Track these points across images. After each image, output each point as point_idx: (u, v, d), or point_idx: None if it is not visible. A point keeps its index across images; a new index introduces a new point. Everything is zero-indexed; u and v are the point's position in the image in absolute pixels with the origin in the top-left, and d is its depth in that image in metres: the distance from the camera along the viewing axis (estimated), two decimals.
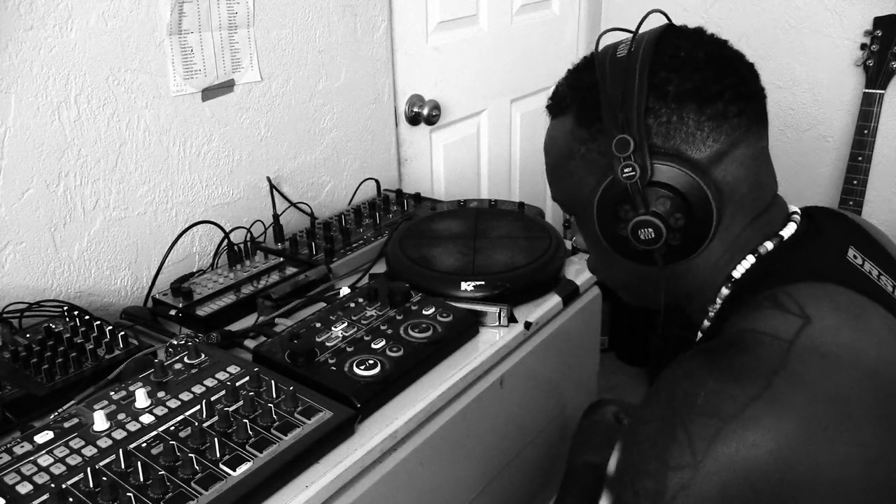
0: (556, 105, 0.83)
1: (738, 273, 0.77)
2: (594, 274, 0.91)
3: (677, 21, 0.81)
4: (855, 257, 0.76)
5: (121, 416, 0.92)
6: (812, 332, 0.66)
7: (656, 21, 0.80)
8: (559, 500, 1.01)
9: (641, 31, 0.78)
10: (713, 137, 0.73)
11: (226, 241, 1.36)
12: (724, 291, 0.78)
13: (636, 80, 0.73)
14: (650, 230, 0.74)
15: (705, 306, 0.81)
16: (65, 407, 0.96)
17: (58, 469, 0.83)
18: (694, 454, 0.62)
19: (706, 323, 0.81)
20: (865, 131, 2.03)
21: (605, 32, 0.82)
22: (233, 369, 1.01)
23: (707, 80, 0.73)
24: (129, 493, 0.80)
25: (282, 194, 1.58)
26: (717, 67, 0.74)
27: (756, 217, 0.78)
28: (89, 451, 0.86)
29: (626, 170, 0.73)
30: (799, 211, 0.82)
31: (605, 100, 0.75)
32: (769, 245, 0.77)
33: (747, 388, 0.63)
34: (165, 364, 1.01)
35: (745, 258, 0.77)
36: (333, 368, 1.02)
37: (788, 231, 0.78)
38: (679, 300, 0.84)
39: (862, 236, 0.81)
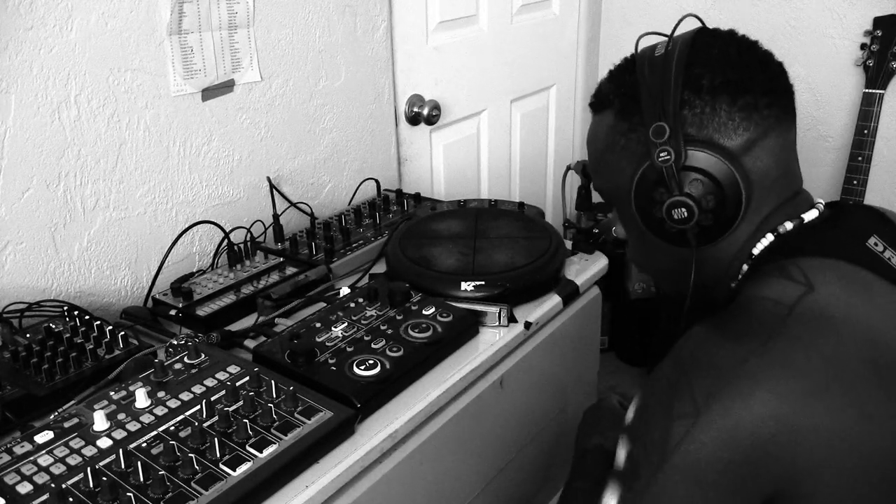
0: (599, 102, 0.88)
1: (756, 250, 0.82)
2: (634, 263, 0.97)
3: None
4: (876, 244, 0.79)
5: (121, 416, 0.92)
6: (814, 299, 0.70)
7: (690, 26, 0.85)
8: (569, 482, 1.02)
9: (676, 34, 0.82)
10: (744, 127, 0.78)
11: (226, 241, 1.36)
12: (744, 268, 0.83)
13: (672, 75, 0.78)
14: (683, 210, 0.79)
15: (728, 284, 0.85)
16: (65, 407, 0.96)
17: (58, 469, 0.83)
18: (695, 404, 0.66)
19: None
20: (865, 131, 2.03)
21: (643, 36, 0.87)
22: (233, 369, 1.01)
23: (739, 74, 0.78)
24: (129, 493, 0.79)
25: (282, 194, 1.58)
26: (748, 63, 0.79)
27: (783, 203, 0.82)
28: (89, 451, 0.86)
29: (661, 154, 0.78)
30: (823, 202, 0.85)
31: (644, 94, 0.80)
32: (788, 225, 0.81)
33: (746, 344, 0.68)
34: (165, 364, 1.01)
35: (764, 236, 0.81)
36: (333, 368, 1.02)
37: (810, 215, 0.82)
38: (708, 283, 0.87)
39: (889, 227, 0.83)
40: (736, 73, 0.78)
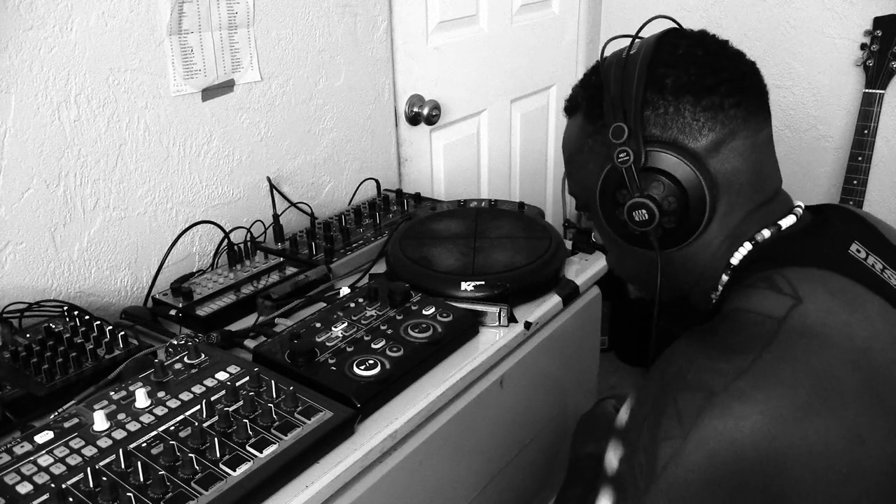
0: (570, 105, 0.89)
1: (735, 260, 0.80)
2: (611, 269, 0.95)
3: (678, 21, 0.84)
4: (858, 251, 0.77)
5: (121, 416, 0.92)
6: (803, 312, 0.68)
7: (663, 26, 0.85)
8: (563, 490, 1.01)
9: (647, 35, 0.82)
10: (709, 127, 0.76)
11: (226, 241, 1.36)
12: (724, 279, 0.81)
13: (635, 75, 0.77)
14: (644, 212, 0.78)
15: (708, 294, 0.83)
16: (65, 407, 0.96)
17: (58, 469, 0.83)
18: (682, 425, 0.64)
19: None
20: (865, 131, 2.03)
21: (611, 39, 0.87)
22: (233, 369, 1.01)
23: (703, 74, 0.77)
24: (129, 493, 0.80)
25: (282, 194, 1.58)
26: (714, 63, 0.78)
27: (757, 207, 0.80)
28: (89, 451, 0.86)
29: (620, 155, 0.77)
30: (803, 206, 0.83)
31: (607, 95, 0.80)
32: (766, 233, 0.79)
33: (735, 361, 0.65)
34: (165, 364, 1.01)
35: (742, 245, 0.79)
36: (333, 368, 1.02)
37: (787, 222, 0.80)
38: (683, 290, 0.87)
39: (870, 231, 0.82)
40: (700, 73, 0.77)
